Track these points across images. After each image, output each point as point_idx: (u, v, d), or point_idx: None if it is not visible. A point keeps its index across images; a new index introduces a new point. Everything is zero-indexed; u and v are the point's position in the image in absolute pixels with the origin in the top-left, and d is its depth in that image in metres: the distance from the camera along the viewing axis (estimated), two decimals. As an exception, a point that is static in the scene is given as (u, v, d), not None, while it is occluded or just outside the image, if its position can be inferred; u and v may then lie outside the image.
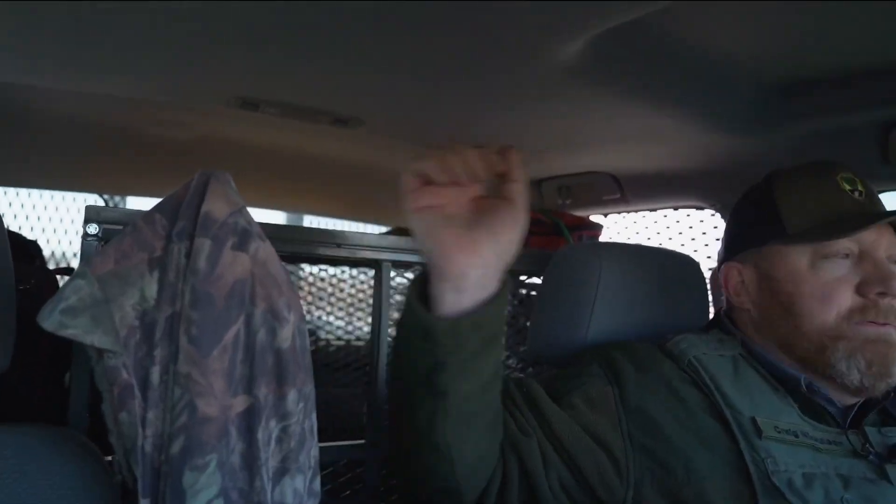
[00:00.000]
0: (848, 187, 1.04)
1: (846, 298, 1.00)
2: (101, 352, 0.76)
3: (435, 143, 1.60)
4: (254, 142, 1.69)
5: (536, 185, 1.82)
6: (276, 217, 2.35)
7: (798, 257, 1.03)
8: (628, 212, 1.79)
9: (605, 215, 1.86)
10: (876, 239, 1.01)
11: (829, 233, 1.00)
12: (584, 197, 1.75)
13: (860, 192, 1.05)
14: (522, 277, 1.55)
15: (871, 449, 0.97)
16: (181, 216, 0.81)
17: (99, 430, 0.83)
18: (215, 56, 1.13)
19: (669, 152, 1.47)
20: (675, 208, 1.72)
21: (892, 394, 1.04)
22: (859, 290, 1.00)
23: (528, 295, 1.54)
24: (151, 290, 0.78)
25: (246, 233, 0.81)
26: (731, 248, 1.13)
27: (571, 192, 1.78)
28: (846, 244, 1.01)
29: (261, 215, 2.24)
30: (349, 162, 1.77)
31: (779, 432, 0.97)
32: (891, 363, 0.99)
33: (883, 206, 1.06)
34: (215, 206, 0.81)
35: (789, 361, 1.04)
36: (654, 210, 1.76)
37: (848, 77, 1.16)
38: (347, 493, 1.34)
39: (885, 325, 0.99)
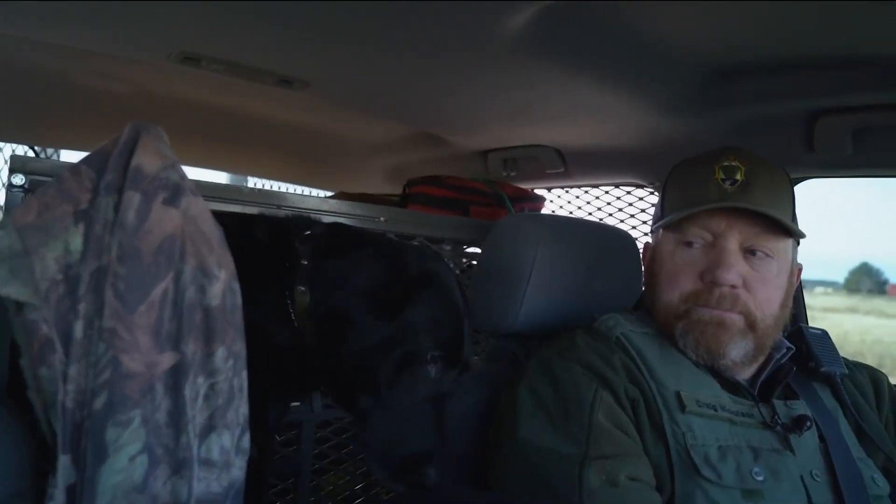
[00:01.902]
0: (722, 176, 1.10)
1: (689, 282, 1.10)
2: (19, 305, 0.74)
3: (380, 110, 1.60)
4: (197, 100, 1.64)
5: (482, 155, 1.83)
6: (220, 178, 2.30)
7: (667, 242, 1.14)
8: (571, 186, 1.82)
9: (549, 189, 1.88)
10: (726, 228, 1.08)
11: (672, 221, 1.11)
12: (529, 170, 1.78)
13: (734, 182, 1.09)
14: (465, 247, 1.57)
15: (778, 420, 1.04)
16: (110, 169, 0.79)
17: (18, 386, 0.81)
18: (157, 8, 1.09)
19: (611, 129, 1.50)
20: (616, 185, 1.76)
21: (794, 369, 1.11)
22: (703, 276, 1.09)
23: (469, 265, 1.56)
24: (76, 243, 0.76)
25: (178, 188, 0.80)
26: (652, 226, 1.23)
27: (517, 165, 1.80)
28: (697, 231, 1.10)
29: (203, 175, 2.19)
30: (294, 125, 1.74)
31: (700, 406, 1.03)
32: (720, 344, 1.07)
33: (761, 197, 1.09)
34: (146, 160, 0.79)
35: None
36: (596, 186, 1.79)
37: (780, 66, 1.20)
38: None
39: (717, 308, 1.07)
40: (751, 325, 1.08)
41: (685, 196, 1.12)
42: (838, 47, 1.12)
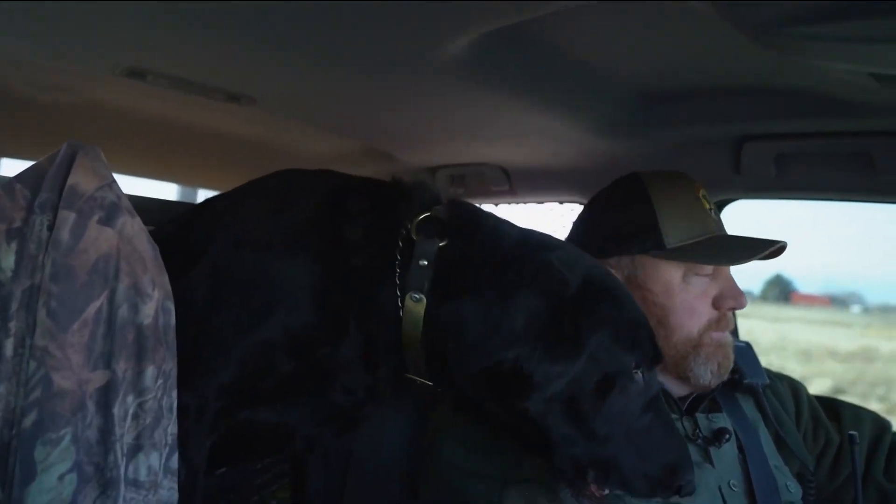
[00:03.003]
0: (707, 206, 1.16)
1: (706, 312, 1.13)
2: (-52, 323, 0.74)
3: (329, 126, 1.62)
4: (144, 112, 1.63)
5: (431, 172, 1.86)
6: (169, 190, 2.28)
7: (673, 272, 1.12)
8: (517, 202, 1.87)
9: (496, 204, 1.93)
10: None
11: (713, 258, 1.11)
12: (476, 186, 1.82)
13: (713, 210, 1.17)
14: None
15: (699, 434, 1.09)
16: (45, 188, 0.80)
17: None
18: (101, 22, 1.09)
19: (554, 149, 1.55)
20: (560, 202, 1.81)
21: (721, 385, 1.17)
22: (715, 303, 1.13)
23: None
24: (8, 261, 0.77)
25: (114, 207, 0.81)
26: (603, 248, 1.16)
27: (464, 181, 1.84)
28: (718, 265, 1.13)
29: (152, 188, 2.17)
30: (243, 138, 1.75)
31: None
32: (731, 362, 1.14)
33: None
34: (82, 179, 0.80)
35: None
36: (541, 203, 1.84)
37: (707, 93, 1.27)
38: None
39: (726, 331, 1.14)
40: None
41: (691, 227, 1.12)
42: (760, 78, 1.19)
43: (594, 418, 0.86)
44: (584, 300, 0.87)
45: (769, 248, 1.10)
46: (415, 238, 0.90)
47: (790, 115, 1.25)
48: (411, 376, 0.92)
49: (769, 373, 1.28)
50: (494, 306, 0.85)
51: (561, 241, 1.00)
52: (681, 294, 1.11)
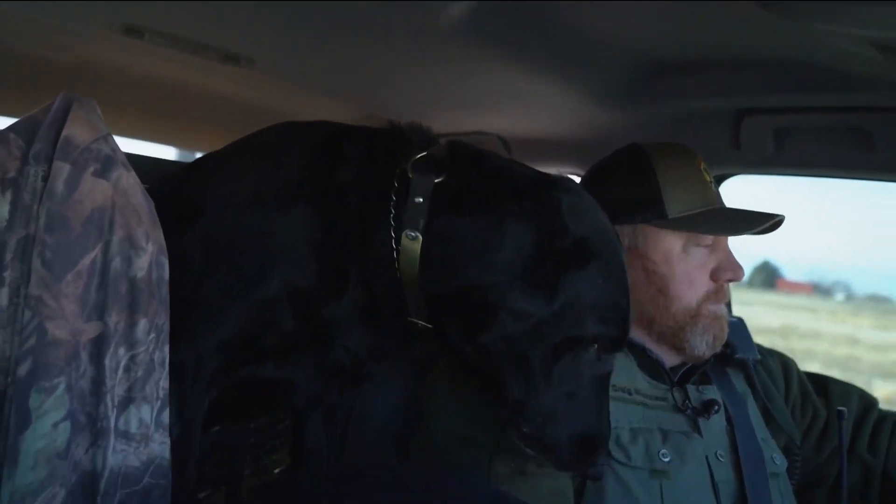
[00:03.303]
0: (707, 178, 1.17)
1: (705, 283, 1.14)
2: (-58, 270, 0.74)
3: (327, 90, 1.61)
4: (141, 72, 1.62)
5: (430, 141, 1.86)
6: (167, 153, 2.27)
7: (674, 241, 1.13)
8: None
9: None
10: None
11: (714, 229, 1.12)
12: (475, 156, 1.81)
13: (713, 183, 1.18)
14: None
15: (689, 405, 1.10)
16: (39, 139, 0.79)
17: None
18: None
19: (552, 119, 1.54)
20: (559, 172, 1.81)
21: (713, 358, 1.18)
22: (713, 275, 1.14)
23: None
24: (3, 211, 0.77)
25: (109, 160, 0.81)
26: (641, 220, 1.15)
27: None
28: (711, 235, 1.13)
29: (148, 149, 2.16)
30: (242, 102, 1.73)
31: (615, 390, 1.08)
32: (725, 335, 1.16)
33: None
34: (77, 131, 0.80)
35: (637, 335, 1.15)
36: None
37: (708, 65, 1.26)
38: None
39: (722, 303, 1.15)
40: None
41: (694, 198, 1.12)
42: (761, 50, 1.18)
43: (542, 374, 0.85)
44: (576, 255, 0.84)
45: (768, 221, 1.11)
46: (410, 177, 0.88)
47: (790, 88, 1.25)
48: (413, 320, 0.90)
49: (760, 348, 1.29)
50: (484, 231, 0.83)
51: (582, 189, 0.96)
52: (681, 264, 1.12)
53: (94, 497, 0.79)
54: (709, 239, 1.13)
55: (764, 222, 1.10)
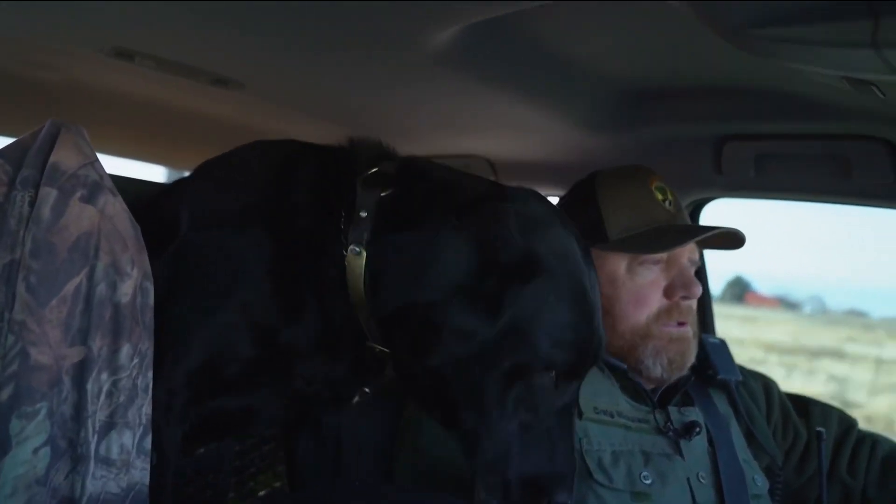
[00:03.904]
0: (661, 197, 1.17)
1: (655, 301, 1.14)
2: (-73, 295, 0.74)
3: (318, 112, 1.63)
4: (132, 93, 1.63)
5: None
6: (158, 172, 2.28)
7: (617, 263, 1.15)
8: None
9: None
10: (680, 247, 1.14)
11: (649, 246, 1.13)
12: (462, 179, 1.83)
13: (670, 202, 1.18)
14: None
15: (671, 426, 1.11)
16: (27, 164, 0.80)
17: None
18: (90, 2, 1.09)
19: (539, 143, 1.57)
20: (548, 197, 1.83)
21: (693, 378, 1.19)
22: (666, 293, 1.14)
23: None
24: (-12, 236, 0.77)
25: (96, 186, 0.82)
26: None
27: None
28: (659, 254, 1.13)
29: (141, 170, 2.16)
30: (232, 123, 1.75)
31: (597, 413, 1.09)
32: (686, 359, 1.16)
33: (686, 214, 1.19)
34: (65, 157, 0.80)
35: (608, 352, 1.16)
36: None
37: (691, 92, 1.29)
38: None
39: (683, 324, 1.14)
40: (694, 333, 1.17)
41: (635, 218, 1.14)
42: (741, 79, 1.21)
43: (492, 404, 0.79)
44: (521, 269, 0.78)
45: (709, 233, 1.12)
46: (358, 192, 0.87)
47: (770, 116, 1.27)
48: (371, 345, 0.88)
49: (742, 370, 1.30)
50: (421, 247, 0.79)
51: (541, 201, 0.90)
52: (626, 284, 1.13)
53: (73, 523, 0.79)
54: (657, 257, 1.13)
55: (697, 235, 1.12)
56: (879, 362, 12.63)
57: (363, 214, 0.85)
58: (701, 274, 1.67)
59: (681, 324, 1.14)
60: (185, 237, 0.90)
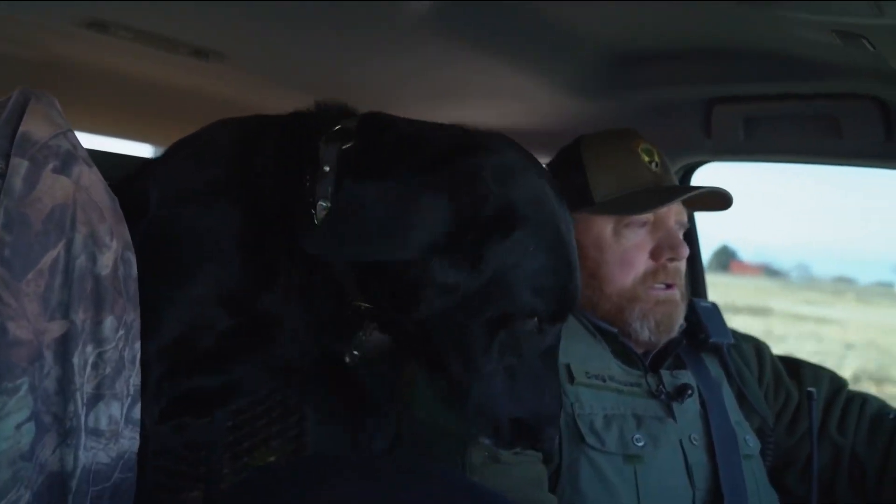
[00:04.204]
0: (647, 159, 1.16)
1: (641, 264, 1.14)
2: None
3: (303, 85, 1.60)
4: (111, 68, 1.59)
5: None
6: (141, 149, 2.24)
7: (603, 225, 1.14)
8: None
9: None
10: (667, 208, 1.14)
11: (632, 207, 1.12)
12: (450, 149, 1.81)
13: (657, 164, 1.16)
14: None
15: (663, 390, 1.11)
16: (-4, 135, 0.78)
17: None
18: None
19: (526, 110, 1.54)
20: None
21: (684, 341, 1.19)
22: (653, 255, 1.14)
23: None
24: (-41, 209, 0.75)
25: (69, 156, 0.79)
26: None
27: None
28: (644, 214, 1.13)
29: (121, 146, 2.13)
30: (213, 97, 1.72)
31: (589, 377, 1.09)
32: (674, 321, 1.15)
33: (674, 176, 1.18)
34: (35, 127, 0.78)
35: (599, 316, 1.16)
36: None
37: (679, 54, 1.27)
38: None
39: (671, 286, 1.14)
40: (682, 296, 1.17)
41: (621, 181, 1.13)
42: (729, 40, 1.19)
43: (479, 350, 0.82)
44: (500, 222, 0.78)
45: (688, 194, 1.11)
46: (320, 148, 0.87)
47: (758, 77, 1.26)
48: (357, 303, 0.88)
49: (734, 333, 1.31)
50: (395, 204, 0.76)
51: (514, 148, 0.90)
52: (612, 246, 1.13)
53: (63, 497, 0.78)
54: (643, 219, 1.12)
55: (688, 192, 1.12)
56: (797, 317, 13.64)
57: (326, 169, 0.84)
58: (692, 237, 1.66)
59: (668, 286, 1.14)
60: (154, 215, 0.90)
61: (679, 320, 1.16)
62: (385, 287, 0.83)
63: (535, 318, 0.84)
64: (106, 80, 1.63)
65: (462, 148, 0.85)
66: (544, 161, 1.75)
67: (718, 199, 1.17)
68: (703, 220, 1.28)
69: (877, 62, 1.01)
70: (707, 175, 1.57)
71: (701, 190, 1.13)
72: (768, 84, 1.28)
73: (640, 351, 1.17)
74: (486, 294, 0.79)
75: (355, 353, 0.98)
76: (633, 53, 1.29)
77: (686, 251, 1.13)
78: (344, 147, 0.85)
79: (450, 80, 1.42)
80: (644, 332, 1.13)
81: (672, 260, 1.13)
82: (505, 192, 0.80)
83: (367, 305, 0.88)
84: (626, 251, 1.13)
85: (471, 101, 1.57)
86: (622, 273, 1.13)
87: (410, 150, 0.85)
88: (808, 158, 1.39)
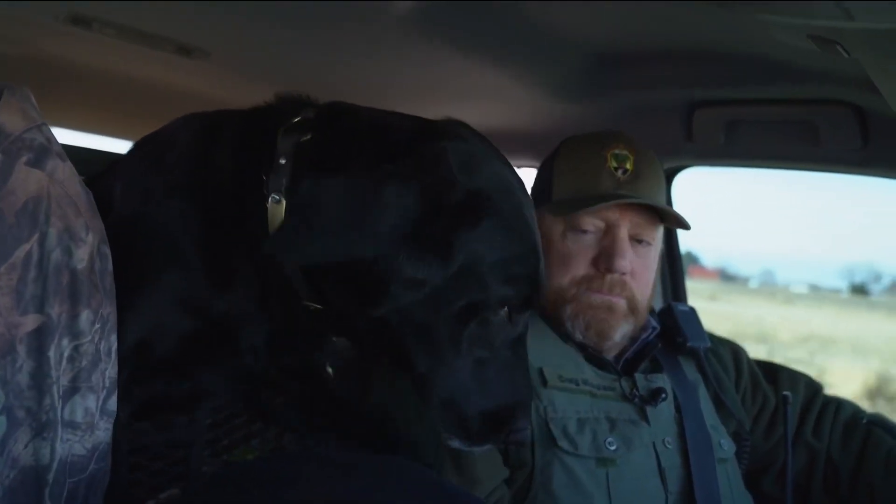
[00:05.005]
0: (614, 165, 1.14)
1: (581, 268, 1.14)
2: None
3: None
4: (91, 65, 1.59)
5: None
6: (125, 146, 2.23)
7: (555, 225, 1.15)
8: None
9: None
10: (619, 218, 1.13)
11: (573, 207, 1.12)
12: (434, 150, 1.81)
13: (626, 171, 1.14)
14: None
15: (636, 393, 1.12)
16: (-30, 128, 0.78)
17: None
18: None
19: (510, 112, 1.55)
20: (518, 167, 1.81)
21: (660, 345, 1.20)
22: (594, 262, 1.14)
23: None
24: (-68, 202, 0.75)
25: (43, 150, 0.79)
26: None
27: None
28: (591, 220, 1.13)
29: (106, 143, 2.11)
30: (197, 95, 1.71)
31: (562, 381, 1.09)
32: (609, 328, 1.14)
33: (648, 187, 1.15)
34: (8, 120, 0.78)
35: None
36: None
37: (661, 57, 1.28)
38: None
39: (607, 294, 1.13)
40: (632, 308, 1.15)
41: (578, 184, 1.14)
42: (710, 43, 1.20)
43: (448, 345, 0.79)
44: (468, 210, 0.76)
45: (613, 202, 1.09)
46: (278, 140, 0.83)
47: (740, 81, 1.27)
48: (307, 304, 0.85)
49: (712, 337, 1.31)
50: (359, 196, 0.73)
51: (475, 135, 0.88)
52: (557, 246, 1.14)
53: (39, 491, 0.78)
54: (590, 226, 1.12)
55: (612, 201, 1.09)
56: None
57: (282, 161, 0.81)
58: (671, 245, 1.68)
59: (607, 293, 1.13)
60: (117, 213, 0.88)
61: (619, 330, 1.14)
62: (342, 285, 0.80)
63: (506, 308, 0.82)
64: (89, 77, 1.63)
65: (424, 135, 0.82)
66: (528, 165, 1.77)
67: (678, 219, 1.17)
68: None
69: (853, 69, 1.02)
70: (689, 180, 1.59)
71: (634, 200, 1.11)
72: (749, 88, 1.29)
73: (610, 355, 1.17)
74: (455, 285, 0.76)
75: (329, 371, 0.97)
76: (616, 55, 1.30)
77: (621, 265, 1.10)
78: (302, 139, 0.82)
79: (432, 80, 1.42)
80: (576, 332, 1.14)
81: (605, 270, 1.12)
82: (470, 181, 0.77)
83: (316, 307, 0.85)
84: (567, 252, 1.14)
85: (453, 102, 1.58)
86: (559, 273, 1.13)
87: (370, 138, 0.82)
88: (787, 164, 1.40)
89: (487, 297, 0.79)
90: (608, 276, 1.12)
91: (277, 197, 0.79)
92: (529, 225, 0.83)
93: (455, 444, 0.84)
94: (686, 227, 1.19)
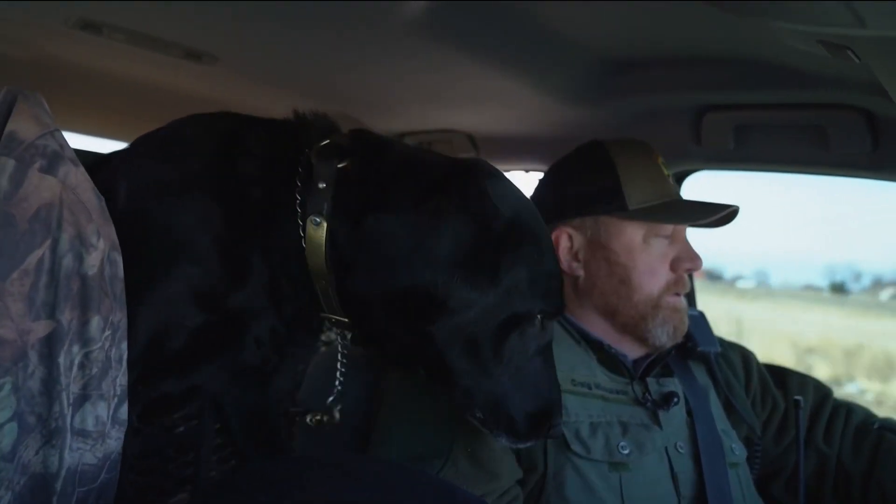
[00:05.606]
0: (666, 172, 1.19)
1: (664, 273, 1.16)
2: None
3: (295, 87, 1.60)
4: (101, 69, 1.59)
5: (399, 138, 1.85)
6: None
7: (635, 232, 1.15)
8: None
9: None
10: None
11: (675, 218, 1.15)
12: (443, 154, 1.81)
13: (671, 177, 1.20)
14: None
15: (649, 397, 1.11)
16: (-17, 134, 0.78)
17: None
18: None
19: (518, 116, 1.55)
20: (527, 171, 1.82)
21: (672, 350, 1.20)
22: (673, 265, 1.16)
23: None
24: (-56, 208, 0.75)
25: (56, 156, 0.79)
26: (564, 211, 1.19)
27: (432, 149, 1.83)
28: (670, 226, 1.16)
29: (113, 147, 2.12)
30: (205, 99, 1.71)
31: (574, 385, 1.09)
32: (685, 327, 1.17)
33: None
34: (22, 126, 0.78)
35: (600, 327, 1.17)
36: (507, 171, 1.84)
37: (671, 61, 1.28)
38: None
39: (682, 295, 1.16)
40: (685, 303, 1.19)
41: (653, 188, 1.15)
42: (720, 48, 1.20)
43: (491, 355, 0.87)
44: (510, 236, 0.87)
45: (723, 211, 1.13)
46: (313, 163, 0.88)
47: (749, 85, 1.27)
48: (326, 315, 0.92)
49: (721, 341, 1.31)
50: (420, 227, 0.84)
51: (493, 168, 0.96)
52: (642, 255, 1.14)
53: (48, 498, 0.78)
54: (668, 230, 1.15)
55: (719, 212, 1.13)
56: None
57: (322, 185, 0.86)
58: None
59: (679, 294, 1.17)
60: (124, 209, 0.88)
61: (687, 326, 1.18)
62: (392, 308, 0.87)
63: (539, 318, 0.91)
64: (98, 81, 1.63)
65: (461, 172, 0.91)
66: (537, 169, 1.76)
67: (726, 218, 1.19)
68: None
69: (863, 73, 1.02)
70: (698, 184, 1.59)
71: (731, 208, 1.14)
72: (759, 93, 1.28)
73: (634, 357, 1.17)
74: (500, 301, 0.86)
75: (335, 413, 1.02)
76: (626, 60, 1.30)
77: (702, 262, 1.15)
78: (340, 166, 0.88)
79: (441, 83, 1.42)
80: (663, 337, 1.14)
81: (688, 271, 1.16)
82: (509, 209, 0.88)
83: (339, 318, 0.91)
84: (653, 260, 1.15)
85: (462, 106, 1.58)
86: (650, 281, 1.14)
87: (411, 176, 0.90)
88: (797, 168, 1.40)
89: (526, 312, 0.89)
90: (685, 277, 1.16)
91: (318, 220, 0.85)
92: (552, 244, 0.96)
93: (504, 442, 0.94)
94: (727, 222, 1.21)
